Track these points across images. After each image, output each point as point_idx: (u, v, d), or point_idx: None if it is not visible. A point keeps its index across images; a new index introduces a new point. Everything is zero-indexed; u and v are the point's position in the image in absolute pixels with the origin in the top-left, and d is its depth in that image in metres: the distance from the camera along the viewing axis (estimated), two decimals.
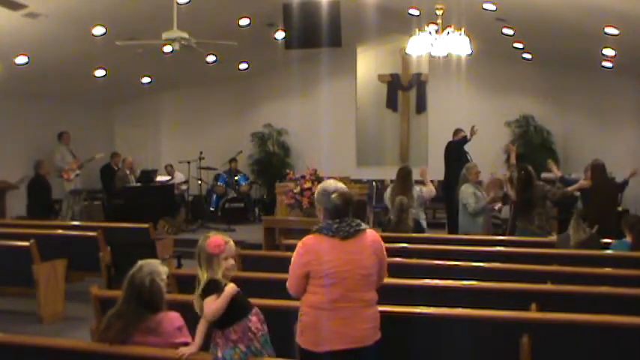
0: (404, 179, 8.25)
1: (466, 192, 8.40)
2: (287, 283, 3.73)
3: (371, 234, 3.74)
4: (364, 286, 3.62)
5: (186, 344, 3.60)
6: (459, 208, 8.54)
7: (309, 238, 3.70)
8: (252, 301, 3.71)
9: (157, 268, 3.64)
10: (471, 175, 8.56)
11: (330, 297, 3.56)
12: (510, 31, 10.84)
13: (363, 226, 3.70)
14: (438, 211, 12.95)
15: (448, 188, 10.22)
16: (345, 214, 3.68)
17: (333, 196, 3.70)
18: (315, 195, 3.89)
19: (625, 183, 9.15)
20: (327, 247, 3.60)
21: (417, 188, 8.25)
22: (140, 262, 3.67)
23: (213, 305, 3.52)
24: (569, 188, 8.18)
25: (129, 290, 3.58)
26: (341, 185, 3.79)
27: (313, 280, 3.61)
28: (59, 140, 12.29)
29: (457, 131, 10.91)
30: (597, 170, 8.25)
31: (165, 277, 3.65)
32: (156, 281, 3.58)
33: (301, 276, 3.64)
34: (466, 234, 8.21)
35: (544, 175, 10.05)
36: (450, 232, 10.08)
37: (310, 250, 3.63)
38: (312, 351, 3.60)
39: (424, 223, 8.43)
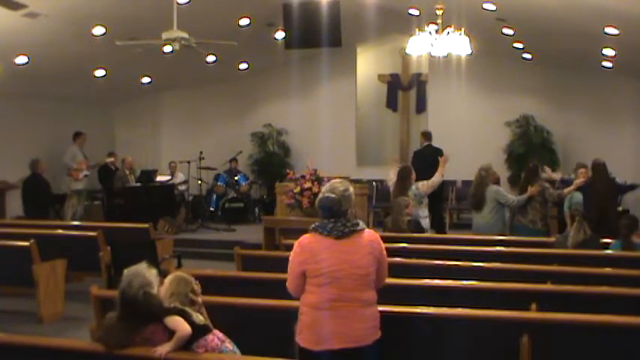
0: (403, 179, 8.24)
1: (500, 191, 8.28)
2: (287, 283, 3.75)
3: (369, 234, 3.72)
4: (361, 285, 3.62)
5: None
6: (490, 210, 8.22)
7: (304, 238, 3.72)
8: (253, 301, 3.70)
9: (147, 278, 3.57)
10: (490, 176, 8.41)
11: (326, 297, 3.58)
12: (510, 31, 10.84)
13: (361, 226, 3.68)
14: None
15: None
16: (338, 214, 3.66)
17: (323, 195, 3.71)
18: None
19: (631, 187, 9.09)
20: (322, 246, 3.61)
21: (413, 187, 8.24)
22: (127, 275, 3.57)
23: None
24: (565, 190, 8.23)
25: (123, 308, 3.52)
26: (342, 187, 3.73)
27: (310, 280, 3.63)
28: (74, 140, 12.22)
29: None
30: (597, 169, 8.27)
31: (156, 283, 3.58)
32: (149, 293, 3.52)
33: (298, 275, 3.66)
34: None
35: (544, 175, 10.03)
36: (439, 232, 9.83)
37: (306, 249, 3.65)
38: (312, 350, 3.61)
39: (425, 222, 8.25)
